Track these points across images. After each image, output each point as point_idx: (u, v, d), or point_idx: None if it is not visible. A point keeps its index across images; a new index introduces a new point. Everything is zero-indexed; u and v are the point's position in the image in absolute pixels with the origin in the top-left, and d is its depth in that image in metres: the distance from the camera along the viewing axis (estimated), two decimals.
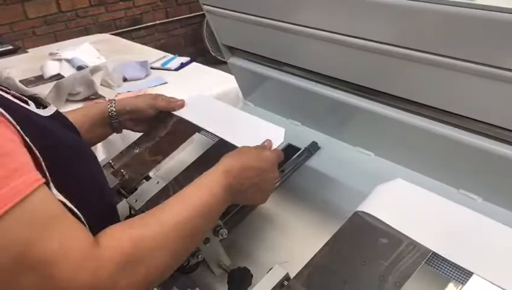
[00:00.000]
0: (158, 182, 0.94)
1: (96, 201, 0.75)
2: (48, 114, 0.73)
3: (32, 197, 0.53)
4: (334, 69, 0.97)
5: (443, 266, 0.62)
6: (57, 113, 0.77)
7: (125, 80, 2.27)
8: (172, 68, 2.42)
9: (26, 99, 0.71)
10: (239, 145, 0.85)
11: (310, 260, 0.69)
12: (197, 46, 4.91)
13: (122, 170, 0.99)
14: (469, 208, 0.73)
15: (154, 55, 2.65)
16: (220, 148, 0.96)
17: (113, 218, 0.82)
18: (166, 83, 2.24)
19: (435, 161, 0.90)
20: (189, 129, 1.05)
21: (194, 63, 2.51)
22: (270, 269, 0.70)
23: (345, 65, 0.93)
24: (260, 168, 0.77)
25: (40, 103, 0.75)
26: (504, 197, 0.82)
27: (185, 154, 1.11)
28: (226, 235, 0.82)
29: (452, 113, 0.80)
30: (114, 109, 1.00)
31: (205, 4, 1.13)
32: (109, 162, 1.02)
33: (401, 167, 0.97)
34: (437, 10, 0.65)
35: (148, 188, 0.93)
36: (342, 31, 0.84)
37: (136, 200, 0.91)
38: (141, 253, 0.59)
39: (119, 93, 2.13)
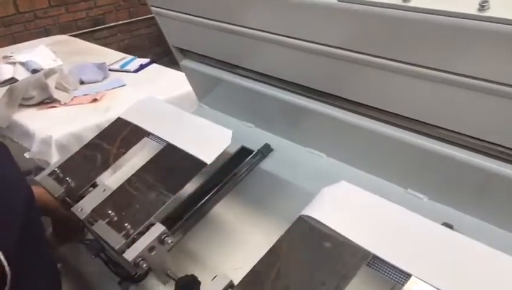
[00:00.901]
0: (104, 190, 0.91)
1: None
2: None
3: None
4: (285, 71, 0.96)
5: (383, 268, 0.62)
6: None
7: (82, 82, 2.22)
8: (132, 70, 2.38)
9: None
10: (186, 149, 0.83)
11: (253, 267, 0.68)
12: (162, 46, 4.84)
13: (67, 178, 0.96)
14: (416, 207, 0.73)
15: (113, 56, 2.60)
16: (167, 152, 0.94)
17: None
18: (124, 85, 2.19)
19: (384, 162, 0.90)
20: (138, 134, 1.03)
21: (154, 65, 2.48)
22: (215, 276, 0.69)
23: (295, 68, 0.93)
24: None
25: None
26: (449, 196, 0.82)
27: (134, 160, 1.09)
28: (172, 243, 0.80)
29: (398, 115, 0.80)
30: None
31: (153, 6, 1.11)
32: (54, 170, 0.99)
33: (352, 167, 0.97)
34: (375, 13, 0.65)
35: (94, 196, 0.90)
36: (291, 34, 0.83)
37: (81, 209, 0.88)
38: None
39: (75, 97, 2.08)
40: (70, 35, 3.44)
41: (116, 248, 0.78)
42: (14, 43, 3.48)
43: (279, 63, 0.96)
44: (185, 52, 1.22)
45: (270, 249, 0.69)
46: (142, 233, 0.79)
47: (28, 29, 4.06)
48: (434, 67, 0.66)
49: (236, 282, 0.67)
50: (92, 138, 1.07)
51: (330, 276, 0.63)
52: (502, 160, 0.70)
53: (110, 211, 0.84)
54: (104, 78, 2.27)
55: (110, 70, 2.35)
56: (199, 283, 0.77)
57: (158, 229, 0.80)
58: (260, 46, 0.93)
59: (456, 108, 0.69)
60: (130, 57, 2.56)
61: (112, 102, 2.03)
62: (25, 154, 1.84)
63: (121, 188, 0.90)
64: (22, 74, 2.23)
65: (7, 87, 2.00)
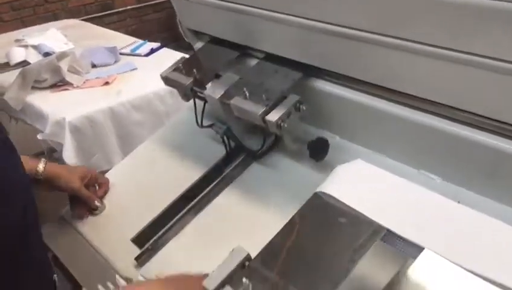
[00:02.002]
0: None
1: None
2: None
3: None
4: (306, 55, 0.97)
5: (397, 242, 0.64)
6: None
7: (93, 66, 2.24)
8: (142, 54, 2.40)
9: None
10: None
11: (270, 240, 0.70)
12: (170, 31, 4.85)
13: None
14: (428, 188, 0.75)
15: (123, 40, 2.62)
16: None
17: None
18: (136, 69, 2.22)
19: (395, 142, 0.91)
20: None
21: (164, 49, 2.49)
22: (232, 249, 0.71)
23: (310, 50, 0.94)
24: None
25: None
26: (462, 177, 0.84)
27: None
28: (305, 110, 0.91)
29: (409, 95, 0.82)
30: (40, 171, 1.00)
31: None
32: None
33: (364, 148, 0.99)
34: None
35: None
36: (319, 17, 0.84)
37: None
38: None
39: (87, 80, 2.10)
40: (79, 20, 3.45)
41: (259, 112, 0.89)
42: (24, 27, 3.50)
43: (301, 47, 0.96)
44: (199, 35, 1.24)
45: (286, 224, 0.72)
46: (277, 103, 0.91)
47: (37, 14, 4.09)
48: (450, 47, 0.67)
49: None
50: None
51: (344, 250, 0.65)
52: None
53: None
54: (116, 61, 2.29)
55: (121, 54, 2.37)
56: (328, 143, 0.93)
57: (293, 98, 0.90)
58: (279, 29, 0.94)
59: (468, 87, 0.71)
60: (140, 41, 2.58)
61: (123, 85, 2.06)
62: (38, 136, 1.87)
63: None
64: (34, 57, 2.25)
65: (20, 70, 2.02)
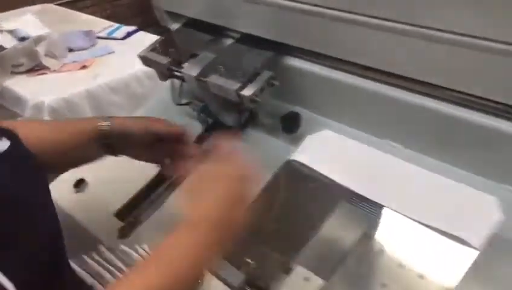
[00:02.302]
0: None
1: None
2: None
3: None
4: (278, 34, 1.01)
5: (361, 203, 0.70)
6: (11, 150, 0.57)
7: (70, 50, 2.25)
8: (119, 37, 2.41)
9: None
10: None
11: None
12: (144, 15, 4.82)
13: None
14: (391, 155, 0.81)
15: (100, 24, 2.62)
16: None
17: None
18: (113, 52, 2.23)
19: (362, 114, 0.97)
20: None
21: (140, 32, 2.51)
22: None
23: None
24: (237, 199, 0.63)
25: None
26: (421, 144, 0.90)
27: None
28: (277, 85, 0.96)
29: (374, 68, 0.87)
30: (106, 128, 0.85)
31: None
32: None
33: (333, 121, 1.04)
34: None
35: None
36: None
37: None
38: None
39: (64, 64, 2.11)
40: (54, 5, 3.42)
41: (234, 88, 0.93)
42: None
43: (275, 26, 1.01)
44: (175, 17, 1.27)
45: (261, 190, 0.77)
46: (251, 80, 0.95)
47: None
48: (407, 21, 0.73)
49: None
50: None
51: (315, 211, 0.71)
52: (465, 106, 0.77)
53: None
54: (92, 45, 2.30)
55: (97, 38, 2.38)
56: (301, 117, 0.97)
57: (266, 74, 0.95)
58: (262, 9, 0.98)
59: (423, 59, 0.77)
60: (116, 25, 2.59)
61: (101, 68, 2.08)
62: (17, 120, 1.89)
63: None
64: (9, 42, 2.24)
65: None
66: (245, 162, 0.66)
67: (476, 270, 0.60)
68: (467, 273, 0.59)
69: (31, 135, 0.68)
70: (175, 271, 0.56)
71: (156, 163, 0.95)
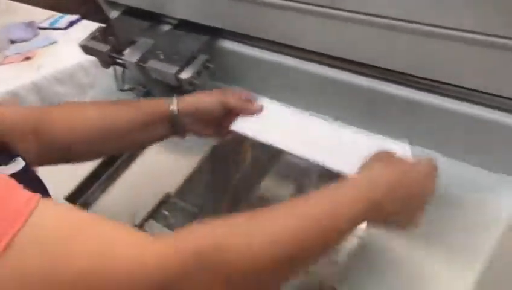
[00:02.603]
0: None
1: None
2: (12, 171, 0.56)
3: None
4: (212, 19, 1.07)
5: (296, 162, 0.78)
6: (25, 170, 0.59)
7: (12, 42, 2.23)
8: (62, 27, 2.40)
9: None
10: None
11: (186, 178, 0.83)
12: (88, 4, 4.73)
13: None
14: None
15: (41, 15, 2.59)
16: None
17: None
18: (56, 42, 2.23)
19: (293, 91, 1.05)
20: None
21: (84, 21, 2.50)
22: (154, 191, 0.83)
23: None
24: (418, 182, 0.62)
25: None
26: (348, 116, 0.99)
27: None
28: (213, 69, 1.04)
29: (302, 49, 0.95)
30: (175, 108, 0.86)
31: None
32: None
33: (267, 99, 1.12)
34: None
35: None
36: None
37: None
38: (223, 254, 0.47)
39: (7, 56, 2.10)
40: None
41: (173, 72, 0.99)
42: None
43: (208, 11, 1.07)
44: (114, 5, 1.31)
45: (200, 160, 0.84)
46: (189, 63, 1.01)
47: None
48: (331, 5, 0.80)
49: None
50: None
51: (249, 173, 0.78)
52: (412, 87, 0.86)
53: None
54: (34, 36, 2.28)
55: (39, 28, 2.36)
56: None
57: (202, 58, 1.02)
58: None
59: (343, 39, 0.85)
60: (58, 14, 2.57)
61: (44, 59, 2.08)
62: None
63: None
64: None
65: None
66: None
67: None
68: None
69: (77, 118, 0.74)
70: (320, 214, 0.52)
71: (221, 136, 0.92)
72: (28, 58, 2.06)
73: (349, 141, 0.77)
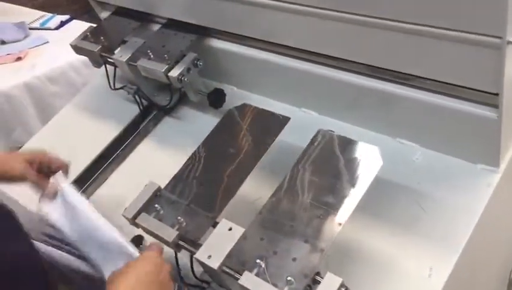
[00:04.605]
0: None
1: None
2: None
3: None
4: (200, 18, 1.10)
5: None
6: None
7: (3, 42, 2.24)
8: (53, 27, 2.41)
9: None
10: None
11: (176, 173, 0.86)
12: (79, 3, 4.73)
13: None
14: (308, 120, 0.94)
15: (32, 15, 2.60)
16: None
17: None
18: (47, 42, 2.24)
19: (278, 87, 1.08)
20: None
21: (74, 21, 2.51)
22: (146, 185, 0.86)
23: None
24: (155, 278, 0.69)
25: None
26: (331, 110, 1.02)
27: None
28: (202, 66, 1.07)
29: (286, 46, 0.98)
30: None
31: None
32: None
33: (253, 94, 1.15)
34: None
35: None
36: None
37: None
38: None
39: None
40: None
41: (162, 70, 1.05)
42: None
43: (197, 11, 1.10)
44: (105, 5, 1.34)
45: (189, 157, 0.87)
46: (178, 61, 1.06)
47: None
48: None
49: None
50: None
51: (235, 171, 0.82)
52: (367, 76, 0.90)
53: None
54: (25, 37, 2.30)
55: (30, 29, 2.37)
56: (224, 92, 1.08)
57: (191, 56, 1.06)
58: None
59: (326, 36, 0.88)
60: (49, 14, 2.57)
61: (36, 59, 2.09)
62: None
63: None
64: None
65: None
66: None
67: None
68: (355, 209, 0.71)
69: None
70: None
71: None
72: (19, 59, 2.08)
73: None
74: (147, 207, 0.83)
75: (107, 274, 0.76)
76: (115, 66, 1.22)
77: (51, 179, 0.89)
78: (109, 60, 1.19)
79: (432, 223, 0.80)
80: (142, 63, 1.09)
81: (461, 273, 0.80)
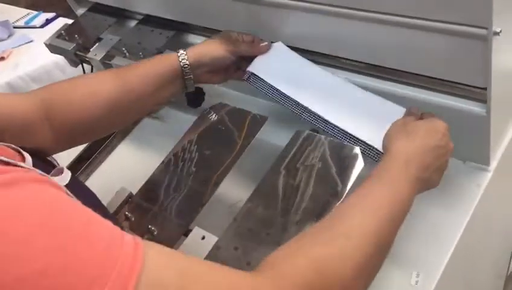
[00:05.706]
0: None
1: None
2: (64, 182, 0.52)
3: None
4: (177, 13, 1.05)
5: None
6: (73, 180, 0.55)
7: None
8: (38, 26, 2.35)
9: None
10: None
11: (148, 178, 0.81)
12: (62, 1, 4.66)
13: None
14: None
15: (16, 13, 2.54)
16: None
17: None
18: (31, 41, 2.19)
19: None
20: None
21: (60, 18, 2.45)
22: (117, 191, 0.82)
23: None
24: (439, 146, 0.64)
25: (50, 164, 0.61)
26: None
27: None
28: None
29: None
30: (187, 62, 0.81)
31: None
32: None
33: (233, 91, 1.11)
34: None
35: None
36: None
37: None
38: (326, 278, 0.48)
39: None
40: None
41: None
42: None
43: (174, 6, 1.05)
44: (81, 2, 1.29)
45: (162, 162, 0.83)
46: None
47: None
48: None
49: None
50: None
51: (207, 177, 0.77)
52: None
53: None
54: (9, 36, 2.25)
55: (14, 27, 2.32)
56: (203, 91, 0.96)
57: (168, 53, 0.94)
58: None
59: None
60: (34, 12, 2.52)
61: (20, 59, 2.04)
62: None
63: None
64: None
65: None
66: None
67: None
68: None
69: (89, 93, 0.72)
70: (380, 212, 0.55)
71: (231, 78, 0.91)
72: (2, 59, 2.03)
73: (361, 101, 0.78)
74: (117, 214, 0.78)
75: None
76: (91, 65, 1.17)
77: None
78: (85, 58, 1.14)
79: (417, 227, 0.75)
80: (117, 61, 1.04)
81: (451, 279, 0.76)
